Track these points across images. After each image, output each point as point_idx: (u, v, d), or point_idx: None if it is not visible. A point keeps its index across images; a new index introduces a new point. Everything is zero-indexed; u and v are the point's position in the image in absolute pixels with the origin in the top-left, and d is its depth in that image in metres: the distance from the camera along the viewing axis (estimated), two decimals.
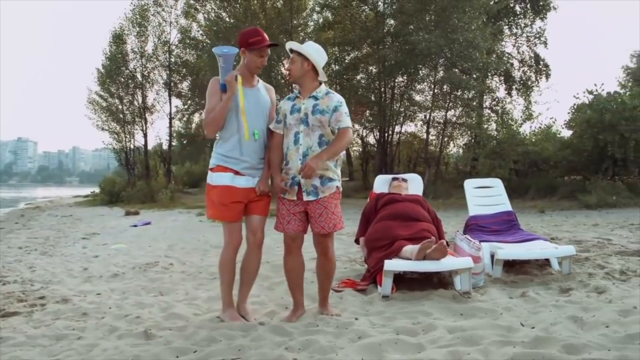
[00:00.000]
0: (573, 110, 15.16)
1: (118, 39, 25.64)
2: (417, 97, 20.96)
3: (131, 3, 25.78)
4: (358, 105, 18.52)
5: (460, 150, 22.51)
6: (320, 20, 22.02)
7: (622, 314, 3.18)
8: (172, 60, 26.02)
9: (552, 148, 14.90)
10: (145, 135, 26.36)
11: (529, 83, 22.11)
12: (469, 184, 6.28)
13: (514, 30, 22.28)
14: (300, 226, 3.43)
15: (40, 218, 15.83)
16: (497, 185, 6.23)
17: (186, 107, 28.27)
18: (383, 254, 4.32)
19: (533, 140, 15.86)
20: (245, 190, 3.42)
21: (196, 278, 5.31)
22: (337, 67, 20.47)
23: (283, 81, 19.03)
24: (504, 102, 21.43)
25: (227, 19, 21.50)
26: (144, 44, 25.77)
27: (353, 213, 6.91)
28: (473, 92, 19.19)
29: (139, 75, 26.01)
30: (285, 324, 3.36)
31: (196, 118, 30.67)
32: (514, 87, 22.20)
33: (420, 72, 19.78)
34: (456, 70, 18.62)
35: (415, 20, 17.55)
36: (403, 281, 4.33)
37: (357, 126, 21.28)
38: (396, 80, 20.34)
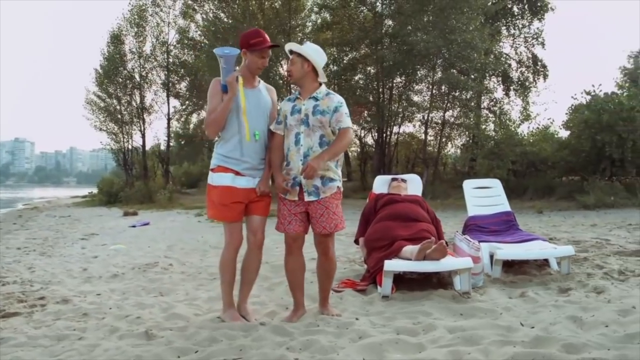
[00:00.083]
0: (571, 111, 15.21)
1: (116, 39, 25.62)
2: (415, 98, 21.01)
3: (129, 3, 25.77)
4: (356, 105, 18.55)
5: (458, 151, 22.55)
6: (319, 21, 22.05)
7: (621, 313, 3.20)
8: (170, 60, 26.02)
9: (550, 149, 14.95)
10: (143, 136, 26.39)
11: (527, 84, 22.15)
12: (468, 185, 6.30)
13: (512, 31, 22.33)
14: (301, 226, 3.44)
15: (38, 219, 15.80)
16: (496, 185, 6.26)
17: (184, 107, 28.30)
18: (383, 254, 4.33)
19: (531, 140, 15.90)
20: (245, 190, 3.43)
21: (196, 278, 5.32)
22: (335, 68, 20.50)
23: (282, 82, 19.06)
24: (502, 102, 21.49)
25: (225, 20, 21.51)
26: (142, 44, 25.78)
27: (352, 213, 6.90)
28: (471, 92, 19.23)
29: (137, 76, 25.99)
30: (286, 324, 3.37)
31: (194, 118, 30.75)
32: (511, 87, 22.24)
33: (418, 72, 19.82)
34: (454, 70, 18.65)
35: (414, 21, 17.58)
36: (403, 281, 4.35)
37: (355, 127, 21.29)
38: (394, 81, 20.38)
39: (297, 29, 21.26)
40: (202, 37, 23.96)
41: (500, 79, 21.89)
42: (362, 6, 20.60)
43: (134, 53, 25.82)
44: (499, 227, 5.66)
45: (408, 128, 22.87)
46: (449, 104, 20.15)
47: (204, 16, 23.51)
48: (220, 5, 21.70)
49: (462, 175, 18.16)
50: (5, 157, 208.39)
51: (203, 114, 28.80)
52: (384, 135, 20.85)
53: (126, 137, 26.80)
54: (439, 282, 4.43)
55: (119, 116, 26.38)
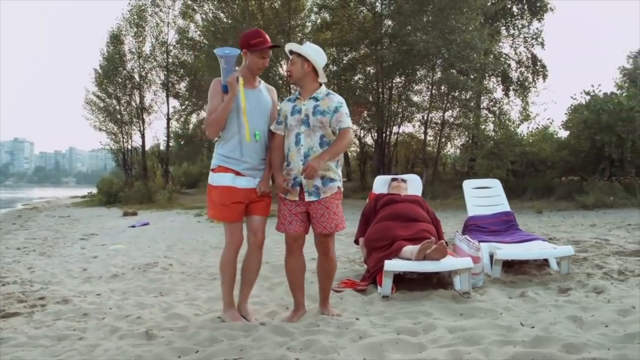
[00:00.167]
0: (570, 111, 15.22)
1: (115, 39, 25.62)
2: (415, 98, 21.02)
3: (129, 3, 25.75)
4: (356, 106, 18.56)
5: (458, 151, 22.56)
6: (318, 21, 22.05)
7: (621, 313, 3.21)
8: (170, 60, 26.02)
9: (550, 149, 14.96)
10: (142, 136, 26.39)
11: (526, 84, 22.17)
12: (468, 185, 6.30)
13: (511, 31, 22.34)
14: (301, 227, 3.44)
15: (37, 219, 15.80)
16: (495, 185, 6.26)
17: (184, 107, 28.31)
18: (383, 254, 4.34)
19: (530, 141, 15.92)
20: (246, 190, 3.43)
21: (196, 278, 5.32)
22: (334, 68, 20.50)
23: (281, 82, 19.06)
24: (502, 102, 21.50)
25: (225, 20, 21.50)
26: (141, 44, 25.78)
27: (351, 214, 6.89)
28: (470, 92, 19.24)
29: (136, 76, 26.00)
30: (287, 324, 3.37)
31: (193, 119, 30.75)
32: (511, 87, 22.26)
33: (417, 72, 19.83)
34: (454, 71, 18.65)
35: (413, 21, 17.58)
36: (403, 281, 4.35)
37: (354, 127, 21.30)
38: (394, 81, 20.38)
39: (297, 29, 21.25)
40: (202, 37, 23.96)
41: (499, 79, 21.91)
42: (362, 6, 20.61)
43: (133, 53, 25.85)
44: (498, 227, 5.66)
45: (407, 128, 22.92)
46: (448, 104, 20.16)
47: (204, 16, 23.53)
48: (220, 6, 21.70)
49: (461, 175, 18.17)
50: (4, 157, 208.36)
51: (202, 114, 28.82)
52: (384, 135, 20.86)
53: (126, 137, 26.85)
54: (439, 282, 4.44)
55: (119, 116, 26.39)
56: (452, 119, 20.84)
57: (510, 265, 4.78)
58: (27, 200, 33.28)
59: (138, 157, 26.89)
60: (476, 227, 5.64)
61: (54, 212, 18.87)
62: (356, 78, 21.05)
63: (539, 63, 22.56)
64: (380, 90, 20.26)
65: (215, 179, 3.44)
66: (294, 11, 20.93)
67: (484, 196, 6.19)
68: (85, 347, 3.06)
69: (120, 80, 25.98)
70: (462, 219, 7.52)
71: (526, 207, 12.29)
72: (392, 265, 4.00)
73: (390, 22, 20.05)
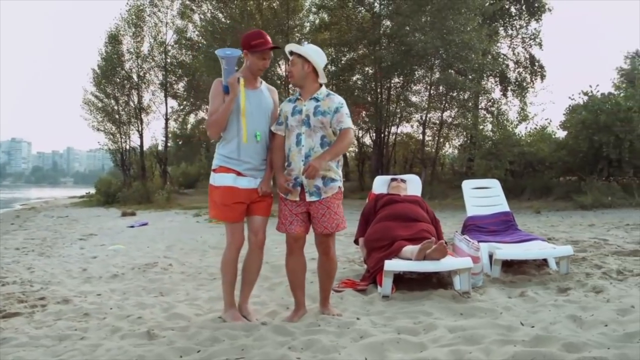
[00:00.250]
0: (568, 111, 15.26)
1: (114, 39, 25.59)
2: (413, 98, 21.07)
3: (127, 3, 25.68)
4: (354, 106, 18.59)
5: (456, 151, 22.61)
6: (317, 21, 22.08)
7: (620, 313, 3.22)
8: (168, 60, 25.98)
9: (548, 149, 14.99)
10: (141, 136, 26.33)
11: (524, 84, 22.25)
12: (467, 185, 6.31)
13: (510, 32, 22.43)
14: (302, 227, 3.45)
15: (36, 219, 15.78)
16: (494, 186, 6.27)
17: (182, 107, 28.30)
18: (383, 254, 4.35)
19: (528, 141, 15.94)
20: (247, 191, 3.44)
21: (196, 278, 5.32)
22: (333, 68, 20.52)
23: (280, 82, 19.07)
24: (500, 103, 21.55)
25: (223, 20, 21.50)
26: (139, 44, 25.75)
27: (349, 214, 6.87)
28: (469, 93, 19.29)
29: (134, 76, 25.97)
30: (287, 323, 3.38)
31: (191, 119, 30.75)
32: (509, 88, 22.32)
33: (416, 73, 19.87)
34: (452, 71, 18.70)
35: (411, 22, 17.61)
36: (402, 281, 4.36)
37: (353, 127, 21.29)
38: (392, 81, 20.41)
39: (295, 30, 21.26)
40: (200, 38, 23.95)
41: (497, 79, 21.98)
42: (360, 6, 20.64)
43: (131, 53, 25.81)
44: (497, 227, 5.67)
45: (406, 128, 22.97)
46: (446, 105, 20.21)
47: (202, 16, 23.54)
48: (218, 6, 21.70)
49: (459, 175, 18.20)
50: (2, 157, 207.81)
51: (201, 114, 28.87)
52: (382, 135, 20.89)
53: (124, 137, 26.80)
54: (438, 282, 4.45)
55: (117, 116, 26.35)
56: (450, 119, 20.90)
57: (509, 265, 4.80)
58: (25, 201, 33.25)
59: (136, 157, 26.86)
60: (475, 227, 5.65)
61: (52, 212, 18.86)
62: (354, 78, 21.07)
63: (537, 63, 22.64)
64: (378, 90, 20.29)
65: (217, 179, 3.45)
66: (292, 11, 20.94)
67: (483, 196, 6.21)
68: (87, 347, 3.07)
69: (118, 80, 25.96)
70: (460, 219, 7.53)
71: (524, 207, 12.32)
72: (392, 265, 4.02)
73: (388, 23, 20.09)
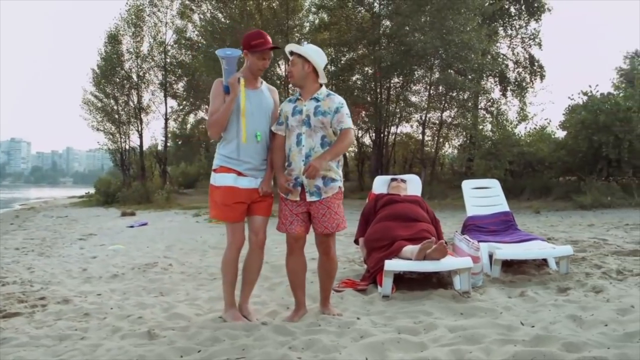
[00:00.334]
0: (567, 111, 15.27)
1: (113, 39, 25.59)
2: (413, 98, 21.08)
3: (126, 3, 25.67)
4: (354, 106, 18.60)
5: (456, 151, 22.62)
6: (316, 21, 22.08)
7: (620, 312, 3.23)
8: (168, 60, 25.98)
9: (547, 149, 15.00)
10: (140, 136, 26.33)
11: (524, 84, 22.26)
12: (467, 185, 6.32)
13: (509, 32, 22.45)
14: (302, 227, 3.46)
15: (35, 219, 15.78)
16: (494, 186, 6.28)
17: (181, 107, 28.29)
18: (383, 254, 4.35)
19: (528, 141, 15.95)
20: (248, 190, 3.44)
21: (196, 278, 5.32)
22: (332, 68, 20.53)
23: (279, 82, 19.07)
24: (499, 103, 21.56)
25: (223, 20, 21.50)
26: (139, 44, 25.74)
27: (349, 214, 6.87)
28: (468, 93, 19.30)
29: (134, 76, 25.96)
30: (288, 323, 3.38)
31: (191, 119, 30.74)
32: (508, 88, 22.33)
33: (415, 73, 19.87)
34: (452, 71, 18.70)
35: (411, 22, 17.61)
36: (402, 281, 4.37)
37: (353, 127, 21.31)
38: (392, 81, 20.42)
39: (295, 30, 21.26)
40: (200, 37, 23.95)
41: (497, 79, 21.98)
42: (360, 6, 20.64)
43: (131, 53, 25.81)
44: (497, 227, 5.68)
45: (405, 128, 22.98)
46: (446, 105, 20.22)
47: (202, 16, 23.53)
48: (218, 6, 21.70)
49: (459, 175, 18.22)
50: (1, 157, 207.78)
51: (200, 114, 28.87)
52: (382, 135, 20.90)
53: (123, 137, 26.80)
54: (438, 281, 4.45)
55: (116, 116, 26.35)
56: (450, 119, 20.91)
57: (509, 265, 4.80)
58: (24, 201, 33.23)
59: (136, 157, 26.85)
60: (475, 227, 5.66)
61: (51, 212, 18.85)
62: (354, 78, 21.07)
63: (536, 63, 22.66)
64: (378, 90, 20.29)
65: (218, 179, 3.45)
66: (292, 11, 20.94)
67: (483, 196, 6.21)
68: (88, 347, 3.07)
69: (118, 80, 25.95)
70: (460, 219, 7.54)
71: (524, 207, 12.32)
72: (393, 265, 4.02)
73: (388, 23, 20.10)
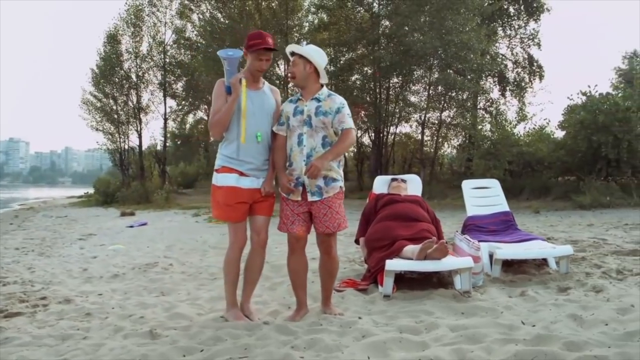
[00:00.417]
0: (567, 112, 15.29)
1: (112, 39, 25.60)
2: (412, 98, 21.09)
3: (126, 3, 25.68)
4: (353, 106, 18.60)
5: (455, 151, 22.64)
6: (316, 21, 22.09)
7: (620, 312, 3.24)
8: (167, 60, 25.99)
9: (546, 149, 15.02)
10: (139, 136, 26.35)
11: (523, 84, 22.28)
12: (467, 185, 6.33)
13: (508, 32, 22.47)
14: (304, 227, 3.47)
15: (34, 219, 15.77)
16: (494, 186, 6.29)
17: (180, 107, 28.28)
18: (384, 254, 4.36)
19: (527, 141, 15.98)
20: (250, 190, 3.45)
21: (197, 278, 5.33)
22: (332, 68, 20.54)
23: (279, 82, 19.08)
24: (498, 103, 21.59)
25: (222, 20, 21.50)
26: (138, 44, 25.78)
27: (349, 213, 6.89)
28: (467, 93, 19.32)
29: (133, 76, 25.98)
30: (290, 323, 3.39)
31: (190, 119, 30.74)
32: (507, 88, 22.36)
33: (415, 73, 19.89)
34: (451, 71, 18.72)
35: (410, 22, 17.63)
36: (403, 281, 4.38)
37: None
38: (391, 81, 20.43)
39: (294, 30, 21.28)
40: (199, 37, 23.94)
41: (496, 79, 22.00)
42: (359, 7, 20.65)
43: (130, 53, 25.84)
44: (497, 227, 5.69)
45: (405, 128, 23.00)
46: (445, 105, 20.23)
47: (201, 16, 23.52)
48: (217, 6, 21.70)
49: (458, 175, 18.24)
50: None
51: (199, 114, 28.86)
52: (381, 135, 20.91)
53: (122, 137, 26.80)
54: (439, 281, 4.46)
55: (116, 116, 26.35)
56: (449, 119, 20.93)
57: (509, 265, 4.82)
58: (23, 201, 33.18)
59: (135, 157, 26.85)
60: (475, 227, 5.67)
61: (51, 212, 18.84)
62: (353, 78, 21.08)
63: (535, 63, 22.68)
64: (377, 90, 20.31)
65: (220, 179, 3.46)
66: (291, 11, 20.96)
67: (483, 196, 6.22)
68: (90, 347, 3.08)
69: (117, 80, 25.96)
70: (459, 218, 7.56)
71: (523, 207, 12.34)
72: (394, 264, 4.03)
73: (387, 23, 20.12)
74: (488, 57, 19.40)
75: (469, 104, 20.10)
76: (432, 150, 21.49)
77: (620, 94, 14.62)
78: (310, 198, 3.40)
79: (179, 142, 31.89)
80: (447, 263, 4.02)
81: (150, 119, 28.30)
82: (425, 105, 20.20)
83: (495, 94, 22.12)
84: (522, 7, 21.94)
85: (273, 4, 21.10)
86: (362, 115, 20.72)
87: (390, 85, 20.64)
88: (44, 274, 5.80)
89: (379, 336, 2.98)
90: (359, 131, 22.58)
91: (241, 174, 3.43)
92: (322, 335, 3.06)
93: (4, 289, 4.87)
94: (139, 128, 26.22)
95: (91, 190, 28.79)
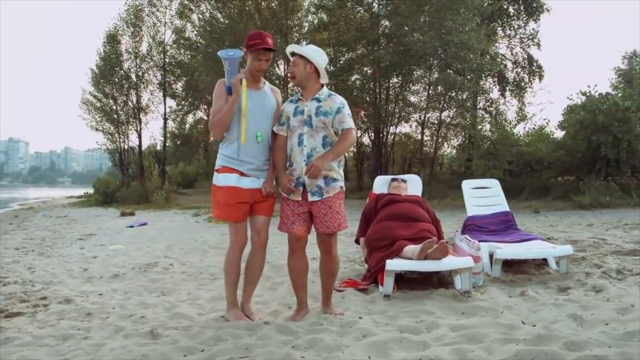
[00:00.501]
0: (566, 112, 15.30)
1: (112, 39, 25.59)
2: (412, 98, 21.09)
3: (126, 3, 25.67)
4: (353, 106, 18.59)
5: (455, 151, 22.65)
6: (315, 21, 22.09)
7: (620, 312, 3.25)
8: (167, 60, 25.97)
9: (546, 149, 15.04)
10: (139, 136, 26.33)
11: (522, 84, 22.28)
12: (467, 185, 6.33)
13: (508, 32, 22.47)
14: (304, 227, 3.47)
15: (34, 219, 15.76)
16: (494, 185, 6.29)
17: (180, 107, 28.27)
18: (384, 254, 4.37)
19: (527, 141, 15.99)
20: (250, 191, 3.45)
21: (197, 278, 5.34)
22: (332, 68, 20.54)
23: (278, 82, 19.08)
24: (498, 103, 21.59)
25: (222, 20, 21.50)
26: (138, 44, 25.75)
27: (349, 213, 6.90)
28: (467, 93, 19.32)
29: (133, 76, 25.96)
30: (290, 323, 3.40)
31: (190, 119, 30.74)
32: (507, 88, 22.36)
33: (414, 73, 19.89)
34: (450, 71, 18.72)
35: (410, 22, 17.62)
36: (403, 281, 4.38)
37: None
38: (391, 81, 20.43)
39: (294, 30, 21.28)
40: (199, 37, 23.94)
41: (496, 79, 22.01)
42: (359, 7, 20.65)
43: (130, 53, 25.81)
44: (497, 226, 5.70)
45: (404, 128, 22.99)
46: (445, 105, 20.23)
47: (201, 16, 23.52)
48: (217, 6, 21.70)
49: (458, 175, 18.25)
50: None
51: (199, 114, 28.86)
52: (381, 135, 20.91)
53: (122, 137, 26.78)
54: (439, 281, 4.47)
55: (115, 116, 26.33)
56: (448, 119, 20.93)
57: (509, 265, 4.82)
58: (22, 200, 33.17)
59: (135, 157, 26.84)
60: (475, 227, 5.67)
61: (50, 212, 18.83)
62: (353, 78, 21.09)
63: (535, 63, 22.68)
64: (377, 90, 20.31)
65: (220, 179, 3.46)
66: (291, 11, 20.96)
67: (483, 196, 6.23)
68: (91, 347, 3.08)
69: (117, 80, 25.94)
70: (459, 218, 7.56)
71: (523, 207, 12.35)
72: (394, 264, 4.04)
73: (387, 23, 20.12)
74: (488, 57, 19.40)
75: (468, 104, 20.11)
76: (431, 150, 21.49)
77: (619, 94, 14.62)
78: (310, 198, 3.40)
79: (178, 142, 31.88)
80: (448, 263, 4.02)
81: (150, 119, 28.38)
82: (425, 105, 20.20)
83: (495, 94, 22.17)
84: (521, 7, 21.95)
85: (273, 4, 21.10)
86: (362, 115, 20.71)
87: (390, 85, 20.64)
88: (44, 274, 5.80)
89: (380, 336, 2.98)
90: (358, 131, 22.58)
91: (242, 174, 3.43)
92: (323, 335, 3.06)
93: (5, 289, 4.87)
94: (138, 128, 26.24)
95: (91, 190, 28.78)
